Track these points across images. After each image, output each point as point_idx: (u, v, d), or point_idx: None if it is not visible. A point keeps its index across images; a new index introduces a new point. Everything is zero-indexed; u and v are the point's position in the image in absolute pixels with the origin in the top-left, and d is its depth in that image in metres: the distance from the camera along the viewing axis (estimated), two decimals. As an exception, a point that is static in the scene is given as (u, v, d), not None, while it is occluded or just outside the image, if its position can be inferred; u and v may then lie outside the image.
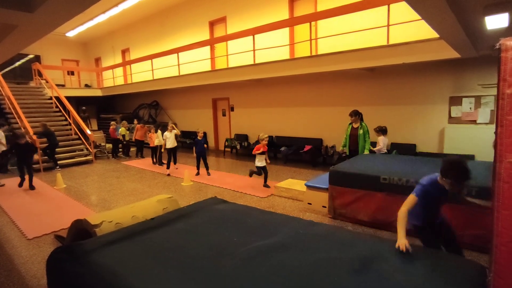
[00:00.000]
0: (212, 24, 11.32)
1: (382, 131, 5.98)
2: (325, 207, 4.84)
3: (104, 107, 16.92)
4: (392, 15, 6.28)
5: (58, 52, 16.79)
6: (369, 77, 7.73)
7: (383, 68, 7.06)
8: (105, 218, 3.09)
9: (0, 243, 4.19)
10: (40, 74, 12.92)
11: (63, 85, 15.05)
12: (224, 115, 11.90)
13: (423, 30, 5.44)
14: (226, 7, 10.54)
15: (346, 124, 6.28)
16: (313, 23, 8.19)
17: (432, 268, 2.01)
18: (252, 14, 9.76)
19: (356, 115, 5.98)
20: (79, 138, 10.78)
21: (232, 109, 11.38)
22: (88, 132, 10.35)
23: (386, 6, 6.22)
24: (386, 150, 6.09)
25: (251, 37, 8.63)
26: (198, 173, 7.80)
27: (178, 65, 11.14)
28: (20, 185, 6.85)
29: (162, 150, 8.87)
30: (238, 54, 9.77)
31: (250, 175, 6.63)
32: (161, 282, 1.92)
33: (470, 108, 6.42)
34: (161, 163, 9.23)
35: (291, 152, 8.86)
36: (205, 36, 11.33)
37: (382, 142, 6.00)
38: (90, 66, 18.13)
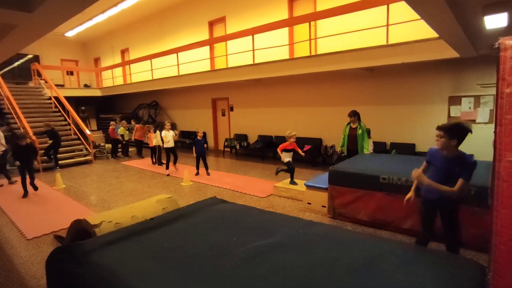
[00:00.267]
0: (211, 24, 11.32)
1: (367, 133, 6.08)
2: (324, 206, 4.84)
3: (103, 107, 16.91)
4: (391, 15, 6.28)
5: (57, 52, 16.77)
6: (369, 77, 7.73)
7: (383, 68, 7.07)
8: (105, 218, 3.09)
9: (-1, 244, 4.19)
10: (39, 74, 12.90)
11: (62, 85, 15.03)
12: (223, 115, 11.90)
13: (422, 30, 5.45)
14: (226, 7, 10.54)
15: (345, 124, 6.28)
16: (312, 23, 8.20)
17: (431, 267, 2.01)
18: (252, 14, 9.76)
19: (355, 115, 5.99)
20: (79, 138, 10.77)
21: (231, 109, 11.38)
22: (88, 132, 10.34)
23: (385, 6, 6.23)
24: (372, 151, 6.13)
25: (250, 37, 8.63)
26: (197, 173, 7.80)
27: (178, 65, 11.14)
28: (25, 196, 6.29)
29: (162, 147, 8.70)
30: (237, 54, 9.76)
31: (277, 173, 6.42)
32: (161, 282, 1.92)
33: (470, 107, 6.42)
34: (160, 163, 9.22)
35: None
36: (205, 36, 11.33)
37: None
38: (89, 66, 18.12)
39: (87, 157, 10.25)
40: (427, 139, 7.03)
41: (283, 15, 8.94)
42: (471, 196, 3.45)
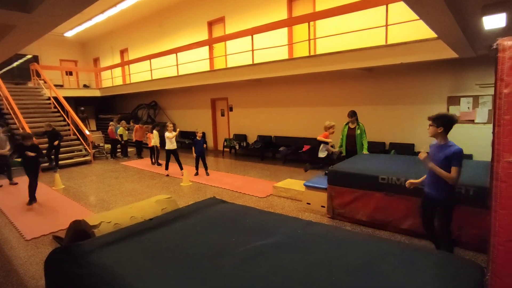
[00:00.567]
0: (210, 24, 11.32)
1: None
2: (323, 207, 4.84)
3: (102, 108, 16.89)
4: (390, 15, 6.29)
5: (56, 53, 16.75)
6: (368, 77, 7.74)
7: (382, 68, 7.07)
8: (104, 219, 3.09)
9: (-2, 244, 4.18)
10: (38, 75, 12.89)
11: (61, 86, 15.03)
12: (223, 115, 11.89)
13: (421, 30, 5.45)
14: (225, 7, 10.54)
15: (344, 124, 6.28)
16: (311, 23, 8.20)
17: (430, 268, 2.01)
18: (251, 14, 9.76)
19: (355, 115, 5.99)
20: (78, 139, 10.77)
21: (231, 109, 11.38)
22: (87, 132, 10.34)
23: (384, 6, 6.23)
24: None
25: (249, 37, 8.63)
26: (197, 173, 7.80)
27: (177, 65, 11.13)
28: (30, 203, 5.80)
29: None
30: (236, 54, 9.76)
31: (306, 170, 6.31)
32: (160, 282, 1.92)
33: (468, 107, 6.43)
34: (159, 164, 9.22)
35: (290, 152, 8.86)
36: (204, 36, 11.33)
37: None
38: (89, 66, 18.10)
39: (86, 158, 10.24)
40: (426, 139, 7.00)
41: (283, 15, 8.94)
42: (470, 196, 3.46)
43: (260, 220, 2.94)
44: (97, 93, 15.47)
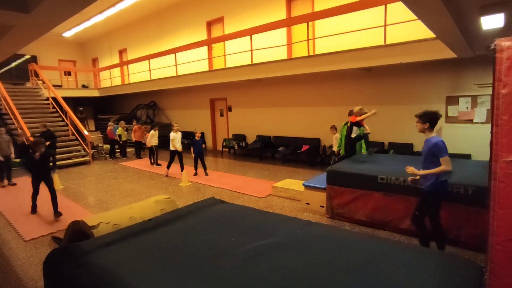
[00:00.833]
0: (209, 24, 11.32)
1: (336, 129, 6.47)
2: (323, 207, 4.85)
3: (101, 108, 16.87)
4: (389, 15, 6.30)
5: (54, 53, 16.71)
6: (367, 77, 7.75)
7: (380, 68, 7.08)
8: (103, 219, 3.09)
9: (-3, 245, 4.17)
10: (37, 75, 12.85)
11: (60, 86, 14.98)
12: (222, 115, 11.89)
13: (420, 30, 5.46)
14: (224, 7, 10.53)
15: (343, 124, 6.28)
16: (310, 23, 8.20)
17: (429, 267, 2.02)
18: (250, 14, 9.76)
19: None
20: (77, 139, 10.74)
21: (230, 109, 11.38)
22: (86, 132, 10.31)
23: (383, 6, 6.24)
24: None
25: (248, 37, 8.63)
26: (196, 174, 7.80)
27: (176, 65, 11.13)
28: (33, 211, 5.38)
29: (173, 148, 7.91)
30: (235, 54, 9.76)
31: (370, 154, 6.22)
32: (160, 283, 1.92)
33: (467, 107, 6.45)
34: (159, 164, 9.21)
35: (289, 152, 8.87)
36: (203, 36, 11.32)
37: (336, 140, 6.64)
38: (87, 66, 18.06)
39: (85, 158, 10.22)
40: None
41: (281, 15, 8.94)
42: (469, 195, 3.47)
43: (259, 220, 2.94)
44: (95, 93, 15.44)
